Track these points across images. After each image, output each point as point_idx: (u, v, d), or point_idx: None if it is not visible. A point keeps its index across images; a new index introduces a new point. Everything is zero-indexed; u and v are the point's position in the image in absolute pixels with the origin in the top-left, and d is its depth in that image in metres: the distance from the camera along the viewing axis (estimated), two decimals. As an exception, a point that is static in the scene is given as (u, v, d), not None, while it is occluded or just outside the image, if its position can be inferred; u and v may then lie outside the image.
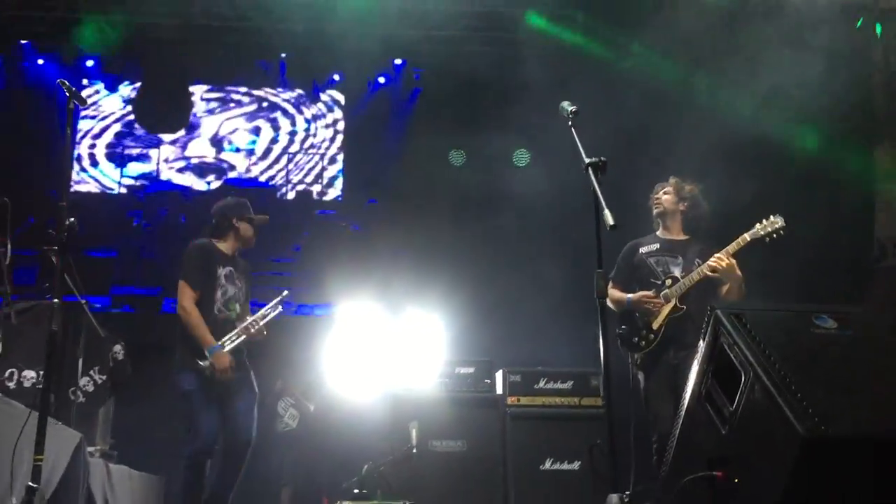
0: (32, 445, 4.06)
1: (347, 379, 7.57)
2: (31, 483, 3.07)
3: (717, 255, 4.60)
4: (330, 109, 10.91)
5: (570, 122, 3.38)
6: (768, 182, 6.34)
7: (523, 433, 5.73)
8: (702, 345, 2.60)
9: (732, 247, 4.63)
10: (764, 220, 4.56)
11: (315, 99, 10.88)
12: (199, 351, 4.85)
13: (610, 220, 2.92)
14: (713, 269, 4.60)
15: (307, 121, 10.85)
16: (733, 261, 4.58)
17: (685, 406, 2.65)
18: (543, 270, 7.24)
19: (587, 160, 3.15)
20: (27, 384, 5.76)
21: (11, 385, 5.39)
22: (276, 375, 8.22)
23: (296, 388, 8.24)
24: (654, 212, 5.07)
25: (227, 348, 4.93)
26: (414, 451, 5.47)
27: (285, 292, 5.31)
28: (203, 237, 5.27)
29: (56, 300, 3.31)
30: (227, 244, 5.22)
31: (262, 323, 5.07)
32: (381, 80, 10.57)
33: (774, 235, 4.52)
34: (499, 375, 5.95)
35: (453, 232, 9.03)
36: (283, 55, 10.06)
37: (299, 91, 10.83)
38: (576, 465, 5.66)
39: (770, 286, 5.27)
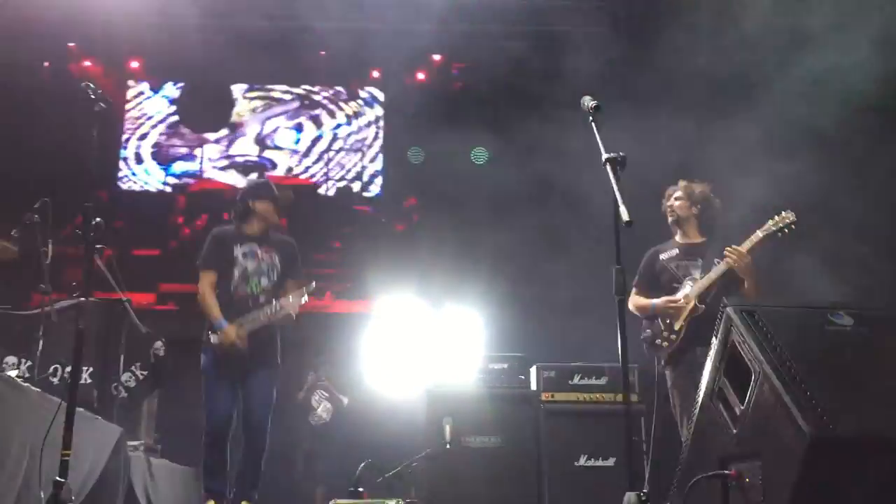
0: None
1: (384, 374, 7.61)
2: (58, 478, 3.14)
3: (730, 250, 4.64)
4: (369, 106, 10.97)
5: (590, 118, 3.36)
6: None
7: (558, 429, 5.70)
8: (714, 342, 2.57)
9: (746, 244, 4.67)
10: (776, 216, 4.60)
11: (354, 96, 10.95)
12: (211, 328, 5.12)
13: (625, 216, 2.89)
14: (728, 266, 4.65)
15: (348, 118, 10.93)
16: (749, 257, 4.62)
17: (699, 404, 2.62)
18: (579, 266, 7.18)
19: (606, 155, 3.13)
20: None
21: (55, 381, 5.52)
22: (311, 368, 8.27)
23: (329, 380, 8.27)
24: (669, 220, 5.12)
25: (243, 328, 5.05)
26: (448, 446, 5.48)
27: (312, 283, 5.35)
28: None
29: (83, 298, 3.38)
30: (251, 226, 5.31)
31: (280, 308, 5.12)
32: (421, 76, 10.60)
33: (786, 230, 4.56)
34: (533, 371, 5.93)
35: (493, 228, 9.00)
36: (322, 52, 10.14)
37: (339, 88, 10.92)
38: (611, 462, 5.61)
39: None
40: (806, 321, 2.40)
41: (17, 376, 4.66)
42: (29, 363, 5.46)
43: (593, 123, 3.33)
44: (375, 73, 10.74)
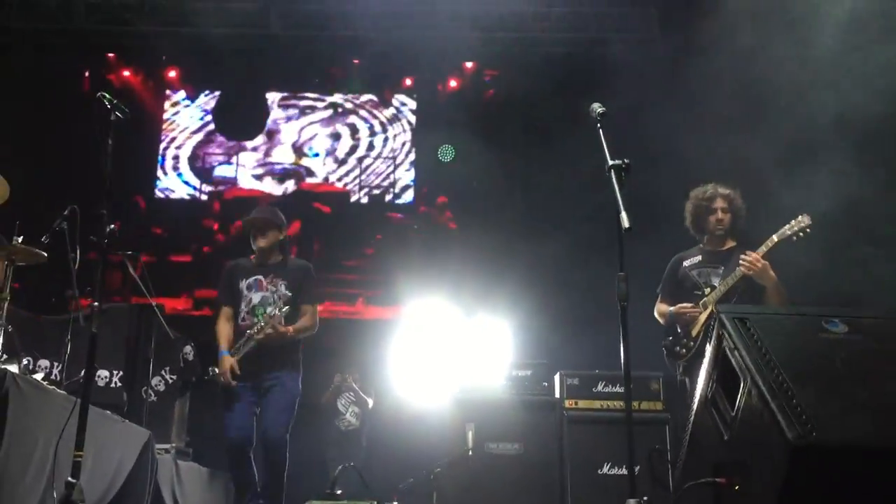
0: (95, 440, 4.29)
1: (411, 380, 7.63)
2: (70, 478, 3.22)
3: (746, 256, 4.60)
4: (401, 114, 11.05)
5: (598, 124, 3.37)
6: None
7: (581, 436, 5.64)
8: (708, 349, 2.55)
9: (762, 249, 4.63)
10: (792, 221, 4.55)
11: (387, 104, 11.03)
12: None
13: (626, 222, 2.90)
14: (745, 271, 4.60)
15: (382, 125, 11.01)
16: (765, 262, 4.57)
17: (694, 411, 2.60)
18: (603, 273, 7.12)
19: (611, 162, 3.14)
20: (101, 383, 6.04)
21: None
22: (337, 371, 8.24)
23: (355, 382, 8.20)
24: (718, 234, 5.01)
25: (240, 353, 5.13)
26: (470, 452, 5.48)
27: (283, 291, 5.31)
28: None
29: (97, 304, 3.47)
30: (256, 257, 5.42)
31: (263, 327, 5.09)
32: (453, 83, 10.65)
33: (801, 234, 4.50)
34: (556, 378, 5.90)
35: (524, 237, 9.00)
36: (356, 61, 10.24)
37: (371, 96, 11.01)
38: (635, 470, 5.55)
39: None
40: (799, 328, 2.36)
41: (44, 379, 4.77)
42: (60, 366, 5.58)
43: (600, 130, 3.34)
44: (408, 81, 10.81)
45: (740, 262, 4.61)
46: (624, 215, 2.92)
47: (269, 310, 5.12)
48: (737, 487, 2.19)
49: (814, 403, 2.05)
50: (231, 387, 5.09)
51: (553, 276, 8.49)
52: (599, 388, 5.81)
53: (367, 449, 7.96)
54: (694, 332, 4.82)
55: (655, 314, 5.15)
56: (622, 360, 2.94)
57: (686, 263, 5.09)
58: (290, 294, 5.26)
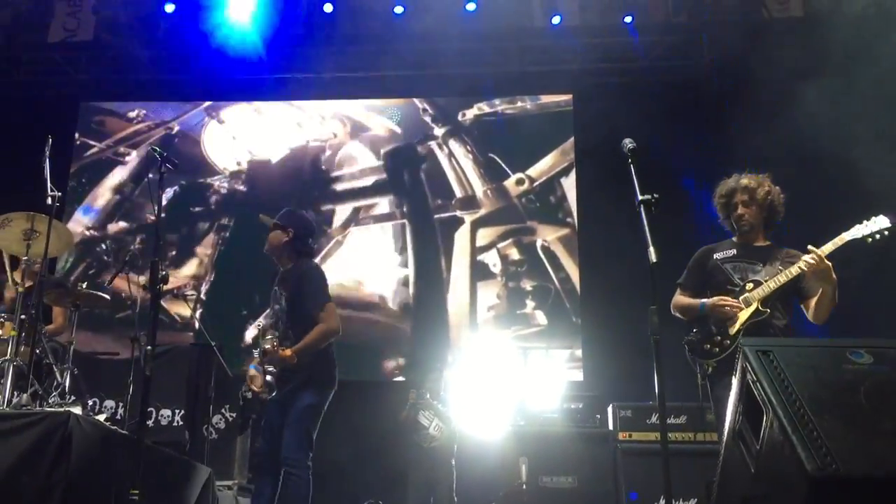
0: (157, 478, 4.44)
1: (466, 412, 7.60)
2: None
3: (811, 253, 4.07)
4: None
5: (629, 160, 3.42)
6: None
7: (636, 469, 5.64)
8: (734, 381, 2.56)
9: (828, 247, 4.11)
10: (865, 221, 4.11)
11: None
12: None
13: (653, 257, 2.93)
14: (806, 270, 4.11)
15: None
16: (828, 263, 4.07)
17: (724, 443, 2.60)
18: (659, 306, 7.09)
19: (640, 197, 3.18)
20: (163, 422, 6.24)
21: (149, 423, 5.84)
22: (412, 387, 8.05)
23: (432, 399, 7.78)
24: (743, 230, 4.52)
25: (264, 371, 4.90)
26: (524, 486, 5.51)
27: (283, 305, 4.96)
28: None
29: (150, 347, 3.62)
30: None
31: (263, 358, 4.81)
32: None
33: (878, 236, 4.05)
34: (609, 410, 5.90)
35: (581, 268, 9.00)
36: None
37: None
38: (692, 503, 5.51)
39: None
40: (823, 360, 2.34)
41: (107, 419, 4.96)
42: (123, 407, 5.79)
43: (631, 165, 3.39)
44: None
45: (804, 258, 4.12)
46: (652, 250, 2.96)
47: (279, 325, 4.88)
48: (765, 520, 2.19)
49: (835, 435, 2.04)
50: (264, 399, 5.00)
51: (603, 306, 8.46)
52: (654, 419, 5.79)
53: (457, 468, 7.20)
54: (732, 331, 4.27)
55: (672, 308, 4.58)
56: (657, 394, 2.96)
57: (717, 256, 4.55)
58: (286, 307, 4.90)
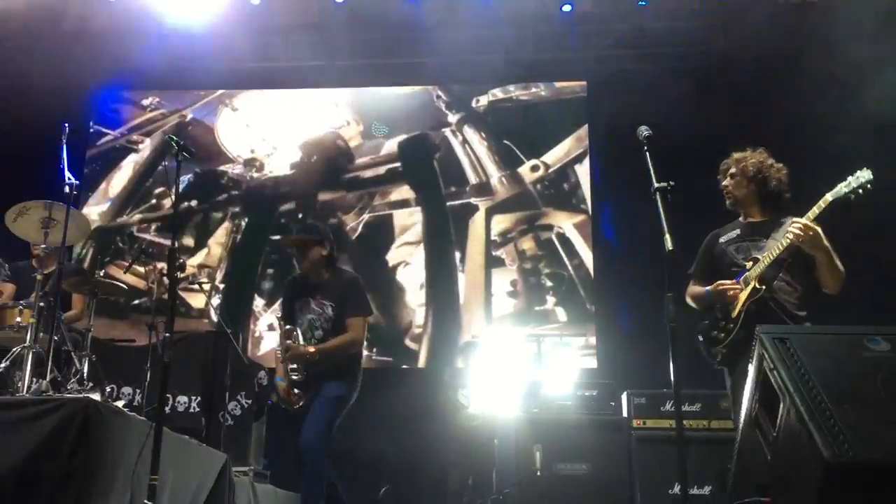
0: (174, 463, 4.48)
1: (482, 400, 7.62)
2: (147, 501, 3.38)
3: (795, 222, 3.97)
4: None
5: (644, 147, 3.42)
6: None
7: (650, 457, 5.64)
8: (751, 369, 2.56)
9: (813, 211, 3.98)
10: (848, 177, 3.93)
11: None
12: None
13: (669, 244, 2.93)
14: (794, 240, 3.98)
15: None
16: (817, 228, 3.94)
17: (740, 430, 2.61)
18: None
19: (656, 185, 3.18)
20: (180, 409, 6.30)
21: (166, 409, 5.86)
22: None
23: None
24: (727, 203, 4.49)
25: (286, 381, 5.05)
26: (538, 474, 5.51)
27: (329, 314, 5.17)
28: None
29: (168, 334, 3.65)
30: (304, 274, 5.29)
31: (286, 354, 5.02)
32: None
33: (860, 191, 3.87)
34: (623, 397, 5.90)
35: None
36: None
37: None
38: (706, 490, 5.51)
39: None
40: (840, 347, 2.34)
41: (126, 405, 5.01)
42: (141, 393, 5.84)
43: (647, 153, 3.38)
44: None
45: (789, 229, 4.00)
46: (668, 237, 2.96)
47: (316, 333, 5.06)
48: (781, 507, 2.20)
49: (852, 422, 2.04)
50: (298, 407, 5.10)
51: (617, 293, 8.45)
52: (668, 407, 5.79)
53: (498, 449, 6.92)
54: (734, 314, 4.18)
55: (687, 298, 4.55)
56: (672, 381, 2.97)
57: (722, 240, 4.50)
58: (332, 315, 5.13)
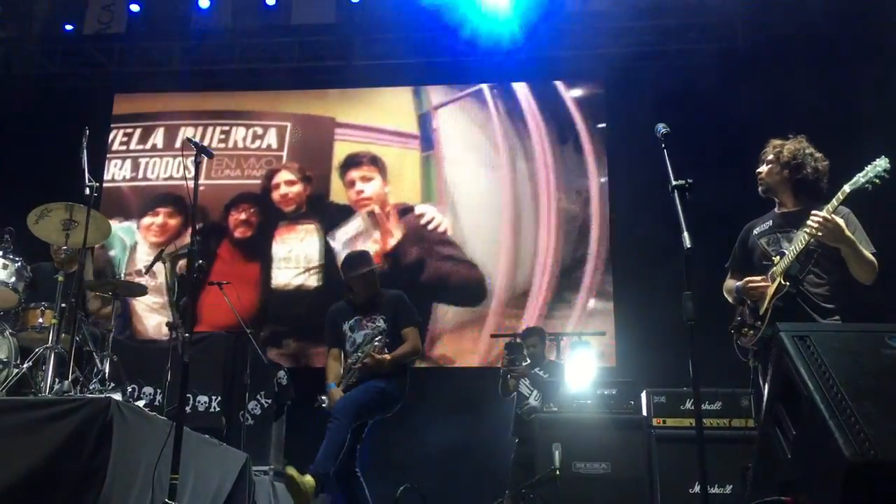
0: (195, 463, 4.51)
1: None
2: (167, 500, 3.41)
3: (814, 215, 3.85)
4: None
5: (662, 144, 3.40)
6: None
7: (670, 455, 5.60)
8: (770, 367, 2.53)
9: (832, 203, 3.85)
10: (866, 167, 3.80)
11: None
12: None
13: (687, 242, 2.92)
14: (811, 234, 3.88)
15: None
16: (837, 220, 3.82)
17: (760, 428, 2.59)
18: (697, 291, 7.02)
19: (674, 182, 3.17)
20: (201, 408, 6.34)
21: (187, 409, 5.90)
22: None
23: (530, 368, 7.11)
24: (759, 189, 4.35)
25: (343, 384, 5.33)
26: (558, 472, 5.49)
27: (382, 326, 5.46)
28: None
29: (187, 334, 3.68)
30: (356, 298, 5.58)
31: (361, 357, 5.31)
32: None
33: (877, 181, 3.76)
34: (643, 396, 5.87)
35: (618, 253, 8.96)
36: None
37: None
38: (727, 489, 5.47)
39: None
40: (861, 345, 2.31)
41: (147, 405, 5.04)
42: (162, 393, 5.87)
43: (664, 150, 3.37)
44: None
45: (807, 223, 3.89)
46: (686, 235, 2.94)
47: (373, 345, 5.31)
48: (802, 506, 2.18)
49: (873, 421, 2.02)
50: None
51: (636, 291, 8.42)
52: (688, 405, 5.75)
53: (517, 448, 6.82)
54: (762, 310, 4.09)
55: (724, 293, 4.48)
56: (692, 379, 2.95)
57: (756, 231, 4.38)
58: (386, 327, 5.42)
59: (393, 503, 5.42)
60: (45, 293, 5.40)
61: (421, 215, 9.34)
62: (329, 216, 9.47)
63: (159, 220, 9.58)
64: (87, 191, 4.91)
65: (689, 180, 3.15)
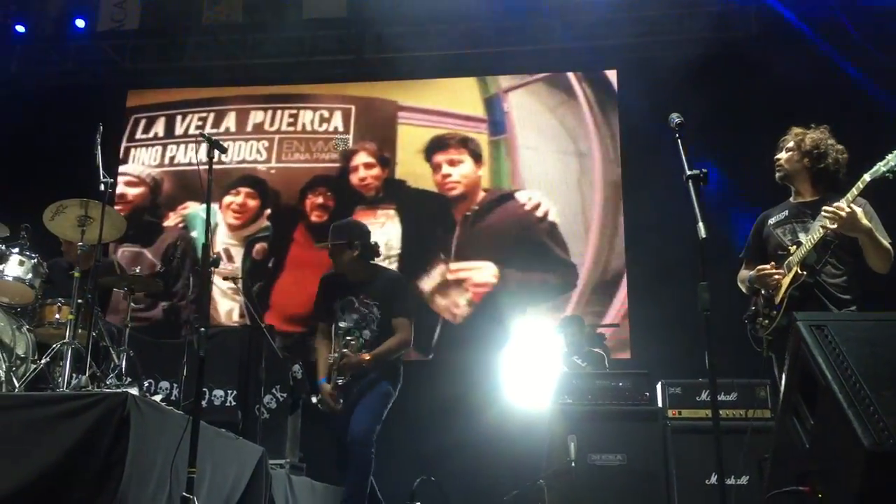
0: (211, 457, 4.53)
1: (517, 390, 7.61)
2: (185, 493, 3.43)
3: (832, 205, 3.82)
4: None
5: (676, 134, 3.38)
6: None
7: (686, 447, 5.56)
8: (787, 356, 2.52)
9: (851, 193, 3.83)
10: (887, 156, 3.76)
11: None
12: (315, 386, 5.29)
13: (702, 232, 2.91)
14: (828, 223, 3.85)
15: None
16: (855, 209, 3.78)
17: (778, 418, 2.58)
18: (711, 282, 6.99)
19: (689, 172, 3.16)
20: (217, 402, 6.37)
21: (203, 403, 5.91)
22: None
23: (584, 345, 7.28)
24: (776, 176, 4.33)
25: (332, 383, 5.14)
26: (573, 464, 5.48)
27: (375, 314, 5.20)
28: None
29: (203, 329, 3.69)
30: (342, 273, 5.28)
31: (339, 360, 5.06)
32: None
33: None
34: (658, 387, 5.84)
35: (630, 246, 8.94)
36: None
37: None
38: (744, 480, 5.44)
39: None
40: (879, 334, 2.30)
41: (163, 400, 5.07)
42: (178, 388, 5.91)
43: (679, 140, 3.35)
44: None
45: (822, 213, 3.88)
46: (701, 225, 2.93)
47: (364, 333, 5.09)
48: (820, 496, 2.17)
49: (892, 409, 2.01)
50: (338, 412, 5.17)
51: (651, 282, 8.39)
52: (704, 396, 5.72)
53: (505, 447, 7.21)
54: (777, 300, 4.06)
55: (738, 283, 4.47)
56: (708, 370, 2.94)
57: (771, 221, 4.36)
58: (379, 315, 5.17)
59: (410, 496, 5.39)
60: (61, 289, 5.44)
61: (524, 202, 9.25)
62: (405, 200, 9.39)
63: (240, 199, 9.53)
64: (102, 187, 4.95)
65: (704, 170, 3.14)
